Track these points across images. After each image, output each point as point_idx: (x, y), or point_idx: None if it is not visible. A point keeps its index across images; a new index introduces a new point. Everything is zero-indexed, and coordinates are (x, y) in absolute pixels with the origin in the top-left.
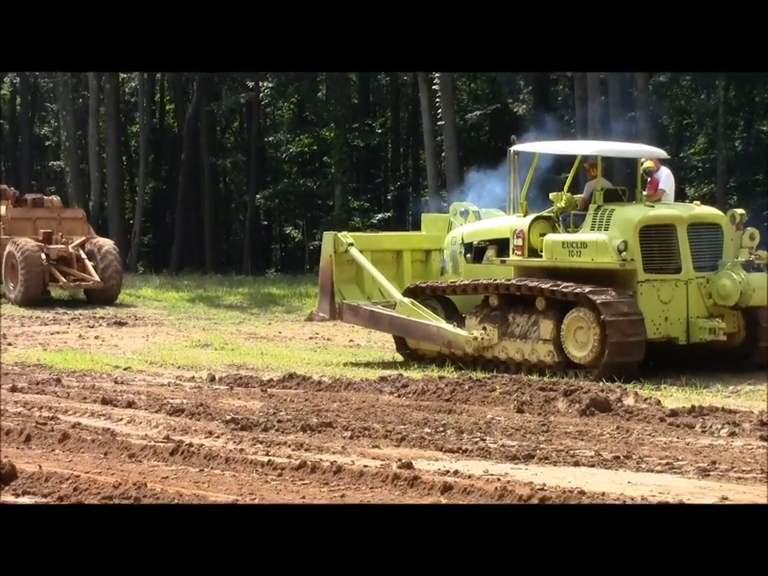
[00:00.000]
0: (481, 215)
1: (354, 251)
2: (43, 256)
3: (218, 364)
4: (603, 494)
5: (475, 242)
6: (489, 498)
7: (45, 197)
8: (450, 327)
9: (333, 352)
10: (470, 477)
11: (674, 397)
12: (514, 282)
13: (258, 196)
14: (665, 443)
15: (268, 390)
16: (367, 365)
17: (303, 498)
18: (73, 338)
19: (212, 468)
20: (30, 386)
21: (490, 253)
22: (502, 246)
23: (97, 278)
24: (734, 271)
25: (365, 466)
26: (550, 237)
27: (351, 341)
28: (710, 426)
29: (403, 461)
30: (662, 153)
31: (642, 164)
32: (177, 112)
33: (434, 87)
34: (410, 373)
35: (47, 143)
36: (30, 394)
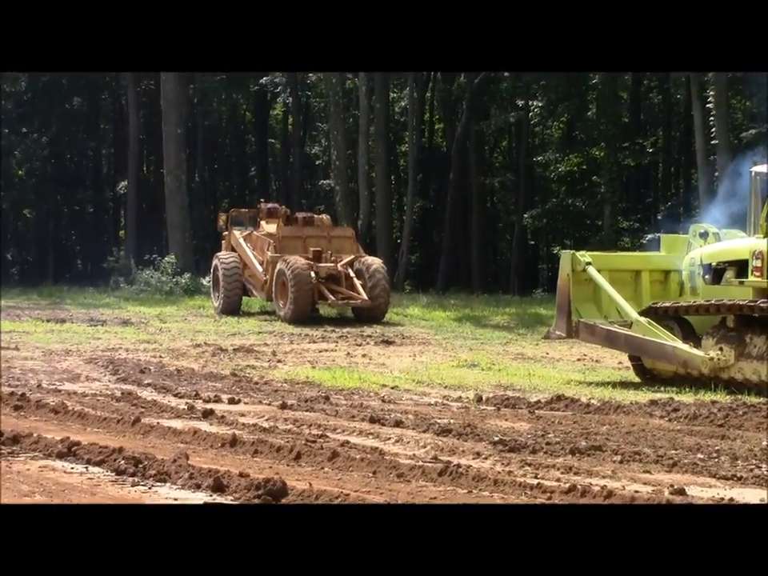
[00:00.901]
0: (721, 236)
1: (591, 270)
2: (313, 274)
3: (485, 384)
4: None
5: (714, 263)
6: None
7: (315, 215)
8: (686, 347)
9: (601, 374)
10: (745, 506)
11: None
12: (752, 303)
13: (525, 215)
14: None
15: (536, 411)
16: (636, 387)
17: None
18: (341, 356)
19: (480, 490)
20: (299, 403)
21: (729, 274)
22: (740, 268)
23: (365, 296)
24: None
25: (636, 492)
26: None
27: (620, 363)
28: None
29: (675, 487)
30: None
31: None
32: (446, 131)
33: (707, 105)
34: (681, 397)
35: (318, 162)
36: (299, 411)
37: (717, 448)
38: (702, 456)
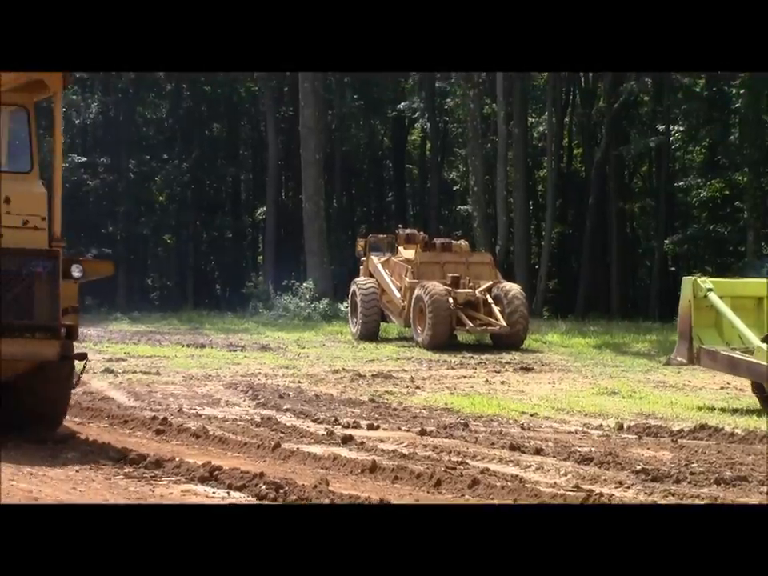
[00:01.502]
0: None
1: (712, 297)
2: (451, 300)
3: (626, 412)
4: None
5: None
6: None
7: (453, 241)
8: None
9: (745, 402)
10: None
11: None
12: None
13: (666, 241)
14: None
15: (678, 440)
16: None
17: None
18: (479, 383)
19: None
20: (438, 429)
21: None
22: None
23: (503, 322)
24: None
25: None
26: None
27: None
28: None
29: None
30: None
31: None
32: (584, 156)
33: None
34: None
35: (455, 188)
36: (438, 437)
37: None
38: None
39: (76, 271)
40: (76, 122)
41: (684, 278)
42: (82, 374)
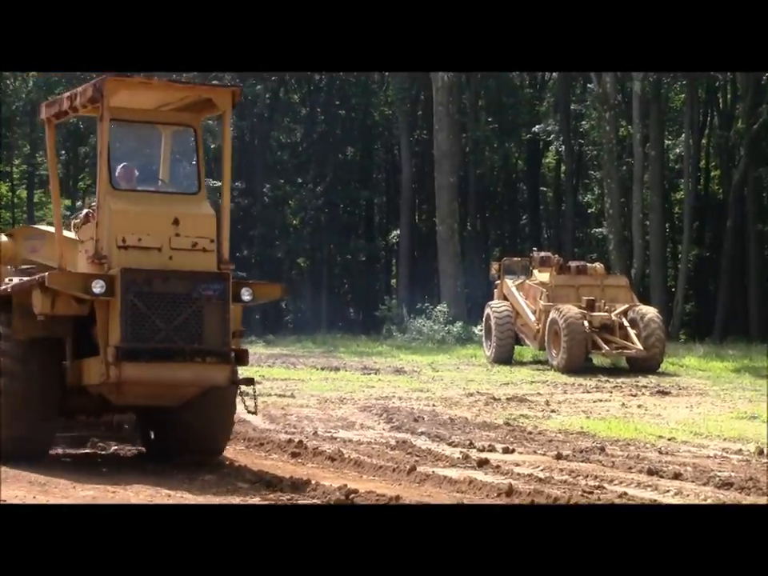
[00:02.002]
0: None
1: None
2: (586, 323)
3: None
4: None
5: None
6: None
7: (588, 264)
8: None
9: None
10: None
11: None
12: None
13: None
14: None
15: None
16: None
17: None
18: (615, 407)
19: None
20: (574, 453)
21: None
22: None
23: (639, 346)
24: None
25: None
26: None
27: None
28: None
29: None
30: None
31: None
32: (722, 178)
33: None
34: None
35: (590, 210)
36: (574, 462)
37: None
38: None
39: (246, 294)
40: (212, 146)
41: None
42: (255, 399)
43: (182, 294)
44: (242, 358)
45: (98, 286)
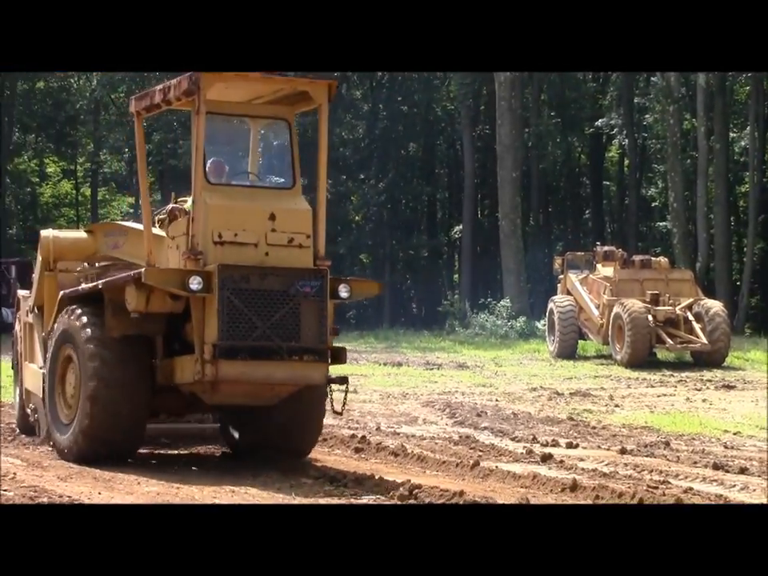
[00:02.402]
0: None
1: None
2: (650, 318)
3: None
4: None
5: None
6: None
7: (652, 258)
8: None
9: None
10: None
11: None
12: None
13: None
14: None
15: None
16: None
17: None
18: (680, 401)
19: None
20: (638, 448)
21: None
22: None
23: (704, 340)
24: None
25: None
26: None
27: None
28: None
29: None
30: None
31: None
32: None
33: None
34: None
35: (654, 204)
36: (639, 456)
37: None
38: None
39: (344, 291)
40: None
41: None
42: (345, 398)
43: (279, 290)
44: (339, 357)
45: (195, 283)
